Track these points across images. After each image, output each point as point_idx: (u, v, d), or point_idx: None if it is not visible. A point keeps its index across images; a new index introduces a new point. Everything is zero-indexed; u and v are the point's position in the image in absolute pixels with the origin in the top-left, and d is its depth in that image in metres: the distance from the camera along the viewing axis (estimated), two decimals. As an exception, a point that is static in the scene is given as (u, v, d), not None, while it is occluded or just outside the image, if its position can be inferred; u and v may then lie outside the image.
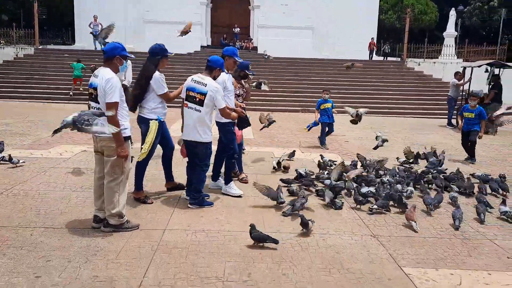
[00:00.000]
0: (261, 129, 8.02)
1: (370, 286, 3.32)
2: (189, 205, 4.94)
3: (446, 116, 13.96)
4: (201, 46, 24.99)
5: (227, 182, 5.53)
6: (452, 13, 24.57)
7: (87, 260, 3.53)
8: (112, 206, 4.07)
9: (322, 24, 26.05)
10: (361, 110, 8.07)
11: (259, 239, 3.95)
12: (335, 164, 6.58)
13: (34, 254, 3.59)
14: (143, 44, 23.42)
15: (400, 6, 31.63)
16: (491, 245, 4.20)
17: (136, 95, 4.97)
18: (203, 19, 26.27)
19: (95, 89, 3.97)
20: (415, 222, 4.49)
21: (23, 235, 3.97)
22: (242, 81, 6.34)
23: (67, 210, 4.68)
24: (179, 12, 24.40)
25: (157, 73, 4.88)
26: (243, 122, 5.64)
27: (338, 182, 5.60)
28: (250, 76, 6.42)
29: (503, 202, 5.01)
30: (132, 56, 4.34)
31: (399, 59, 24.75)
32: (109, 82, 3.86)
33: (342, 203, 5.16)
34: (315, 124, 9.37)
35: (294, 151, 7.81)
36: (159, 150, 5.17)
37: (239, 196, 5.38)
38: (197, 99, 4.73)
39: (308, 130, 9.83)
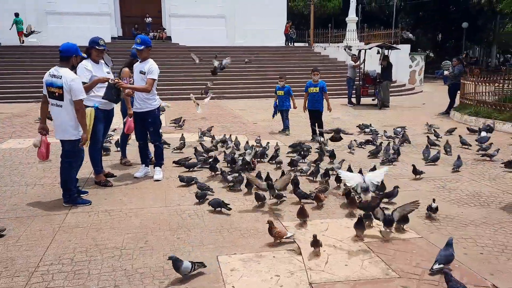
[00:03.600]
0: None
1: (252, 238, 3.88)
2: (63, 204, 4.72)
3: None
4: (112, 38, 24.25)
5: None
6: (353, 0, 26.29)
7: (-14, 247, 3.68)
8: None
9: (234, 12, 26.44)
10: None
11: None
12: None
13: None
14: (46, 38, 22.29)
15: (306, -7, 33.11)
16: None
17: None
18: (112, 9, 25.41)
19: None
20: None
21: None
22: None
23: (-36, 205, 4.69)
24: (85, 3, 23.44)
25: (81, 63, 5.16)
26: (109, 92, 5.25)
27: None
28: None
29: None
30: None
31: (307, 44, 26.05)
32: None
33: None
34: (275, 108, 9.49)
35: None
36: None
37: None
38: (57, 93, 4.51)
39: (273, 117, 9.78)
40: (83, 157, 4.90)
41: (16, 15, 21.32)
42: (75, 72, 5.03)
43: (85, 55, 5.16)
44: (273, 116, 9.78)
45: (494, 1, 29.35)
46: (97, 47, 5.26)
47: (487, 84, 11.81)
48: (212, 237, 3.93)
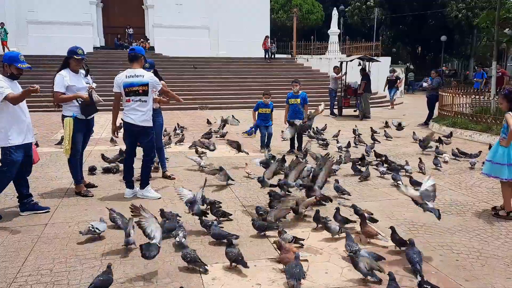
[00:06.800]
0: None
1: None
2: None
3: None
4: (94, 47, 24.15)
5: (143, 186, 5.46)
6: (335, 13, 26.75)
7: (-38, 258, 3.61)
8: None
9: (218, 24, 26.59)
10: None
11: None
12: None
13: None
14: (27, 47, 22.05)
15: (289, 6, 33.57)
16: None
17: None
18: (94, 19, 25.31)
19: None
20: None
21: None
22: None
23: None
24: (67, 12, 23.36)
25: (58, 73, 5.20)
26: (88, 108, 5.31)
27: None
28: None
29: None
30: None
31: (289, 56, 26.37)
32: None
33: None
34: (254, 127, 8.80)
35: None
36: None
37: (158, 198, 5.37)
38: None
39: (249, 134, 9.53)
40: None
41: (2, 25, 21.25)
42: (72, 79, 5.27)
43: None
44: (250, 133, 9.29)
45: (471, 16, 30.33)
46: (75, 56, 5.22)
47: (464, 96, 12.15)
48: (194, 246, 3.92)
